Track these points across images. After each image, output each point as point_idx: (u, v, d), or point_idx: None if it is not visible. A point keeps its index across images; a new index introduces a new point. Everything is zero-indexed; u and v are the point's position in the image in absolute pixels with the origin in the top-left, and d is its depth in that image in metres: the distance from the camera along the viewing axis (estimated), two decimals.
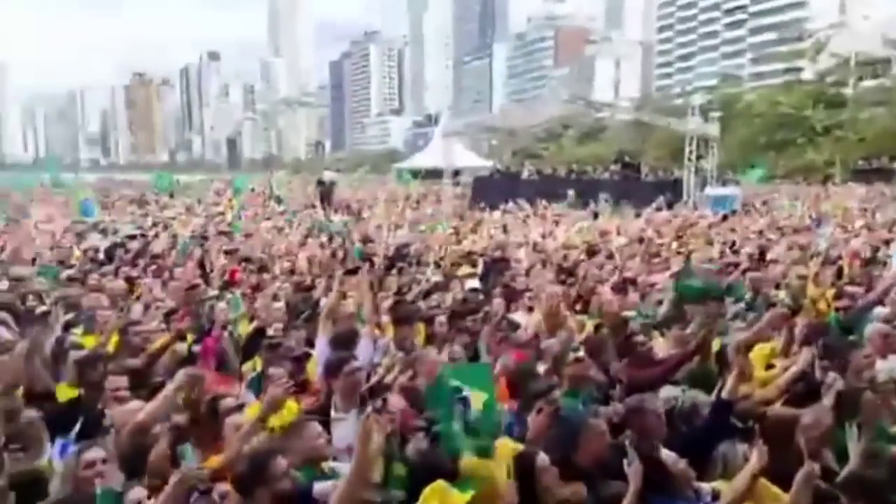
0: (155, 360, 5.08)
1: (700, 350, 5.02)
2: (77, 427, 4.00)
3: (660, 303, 7.46)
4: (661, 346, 5.80)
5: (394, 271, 8.58)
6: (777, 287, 7.78)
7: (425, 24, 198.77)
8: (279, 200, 24.11)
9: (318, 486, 3.23)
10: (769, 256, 9.81)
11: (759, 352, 5.28)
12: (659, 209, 19.56)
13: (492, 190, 27.12)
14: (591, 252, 10.43)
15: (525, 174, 28.76)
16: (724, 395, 4.05)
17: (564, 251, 10.36)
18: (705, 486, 3.58)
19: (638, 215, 17.42)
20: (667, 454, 3.70)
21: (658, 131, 40.94)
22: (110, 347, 5.48)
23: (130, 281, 7.89)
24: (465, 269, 8.84)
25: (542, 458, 3.43)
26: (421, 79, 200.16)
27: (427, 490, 3.12)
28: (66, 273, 8.10)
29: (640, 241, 12.00)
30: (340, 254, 9.78)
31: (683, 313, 6.51)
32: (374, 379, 4.43)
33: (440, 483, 3.13)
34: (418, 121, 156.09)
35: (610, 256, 10.24)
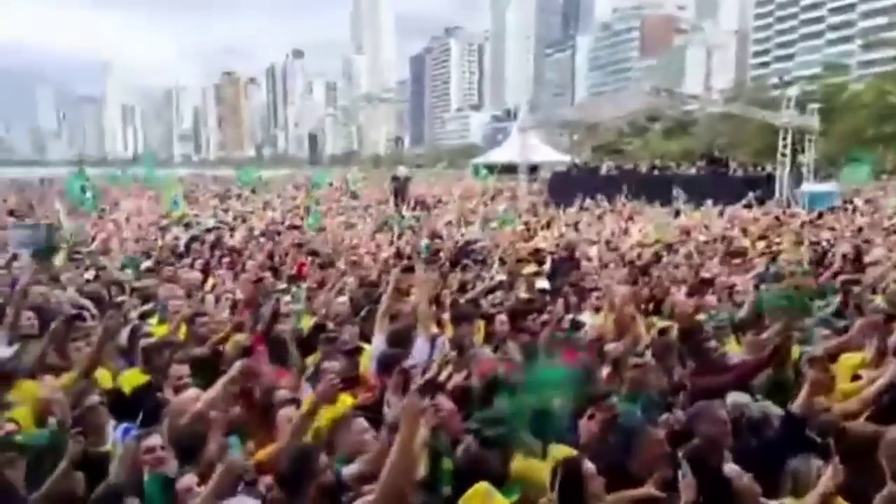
0: (218, 350, 5.22)
1: (775, 358, 4.64)
2: (141, 413, 4.20)
3: (738, 305, 7.02)
4: (736, 352, 5.45)
5: (458, 268, 8.49)
6: (874, 292, 7.13)
7: (507, 17, 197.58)
8: (354, 196, 24.60)
9: (347, 470, 3.21)
10: (868, 258, 9.03)
11: (845, 362, 4.86)
12: (748, 206, 18.52)
13: (569, 186, 26.49)
14: (668, 251, 9.95)
15: (604, 169, 27.89)
16: (795, 407, 3.76)
17: (639, 249, 9.93)
18: None
19: (722, 213, 16.52)
20: (731, 468, 3.46)
21: (752, 124, 38.67)
22: (180, 336, 5.70)
23: (206, 272, 8.20)
24: (530, 268, 8.63)
25: (588, 465, 3.26)
26: (501, 73, 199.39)
27: (470, 491, 3.04)
28: (145, 264, 8.51)
29: (723, 239, 11.38)
30: (407, 249, 9.78)
31: (762, 317, 6.09)
32: (425, 377, 4.35)
33: (484, 485, 3.04)
34: (497, 115, 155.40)
35: (690, 256, 9.77)
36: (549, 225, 14.72)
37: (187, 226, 13.43)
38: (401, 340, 4.98)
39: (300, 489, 3.11)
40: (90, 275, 7.96)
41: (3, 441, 3.36)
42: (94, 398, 3.95)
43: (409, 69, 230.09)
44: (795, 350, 4.95)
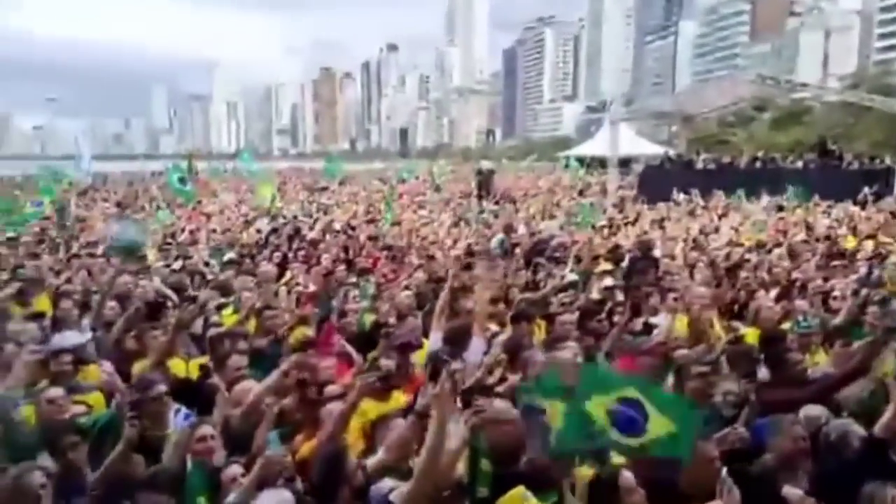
0: (279, 343, 5.36)
1: (860, 372, 4.19)
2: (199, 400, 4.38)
3: (834, 312, 6.46)
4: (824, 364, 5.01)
5: (529, 266, 8.30)
6: None
7: (605, 4, 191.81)
8: (438, 189, 24.70)
9: (370, 461, 3.19)
10: None
11: None
12: (862, 203, 17.02)
13: (662, 180, 25.33)
14: (759, 251, 9.27)
15: (699, 163, 26.42)
16: (877, 428, 3.41)
17: (727, 249, 9.31)
18: None
19: (829, 209, 15.25)
20: (790, 491, 3.22)
21: (872, 114, 35.36)
22: (250, 328, 5.91)
23: (284, 265, 8.46)
24: (603, 266, 8.29)
25: (627, 476, 3.08)
26: (597, 63, 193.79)
27: (507, 495, 2.96)
28: (227, 256, 8.90)
29: (826, 239, 10.50)
30: (479, 245, 9.68)
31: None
32: (473, 378, 4.26)
33: (521, 490, 2.96)
34: (592, 107, 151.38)
35: (784, 257, 9.09)
36: (635, 221, 14.16)
37: (274, 218, 13.97)
38: (457, 338, 4.91)
39: (330, 493, 3.13)
40: (177, 265, 8.43)
41: (67, 424, 3.58)
42: (160, 388, 4.09)
43: (501, 61, 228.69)
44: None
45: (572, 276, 7.75)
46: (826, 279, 7.60)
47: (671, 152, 29.08)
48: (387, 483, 3.20)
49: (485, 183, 22.26)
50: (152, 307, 5.53)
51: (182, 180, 17.29)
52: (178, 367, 4.99)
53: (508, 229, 11.08)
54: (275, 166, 46.27)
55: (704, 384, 4.30)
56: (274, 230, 11.08)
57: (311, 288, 7.48)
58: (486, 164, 24.50)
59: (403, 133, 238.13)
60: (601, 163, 32.31)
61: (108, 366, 4.39)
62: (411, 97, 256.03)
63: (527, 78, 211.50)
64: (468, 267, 6.42)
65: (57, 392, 3.96)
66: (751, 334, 5.65)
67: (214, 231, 11.43)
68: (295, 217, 13.37)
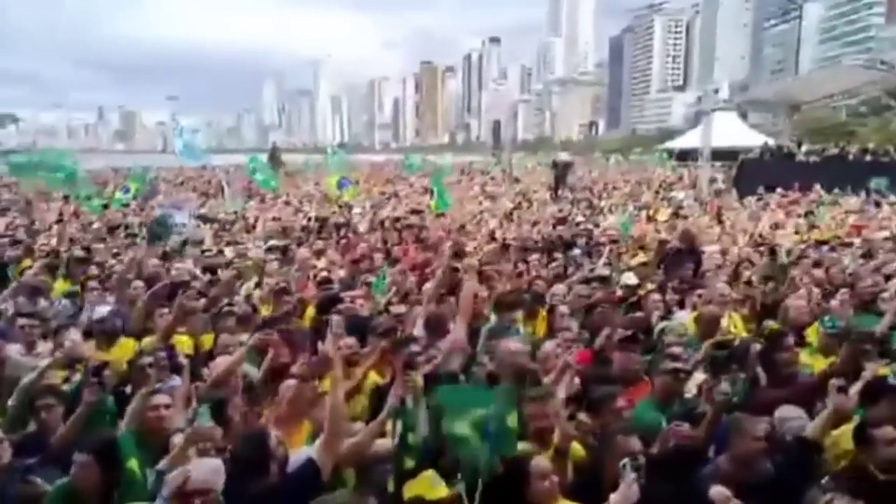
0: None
1: (842, 375, 3.87)
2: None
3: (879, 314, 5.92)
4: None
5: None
6: None
7: None
8: (516, 181, 24.51)
9: (294, 457, 3.28)
10: None
11: None
12: None
13: (760, 173, 23.72)
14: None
15: (800, 155, 24.43)
16: (808, 433, 3.35)
17: (784, 246, 8.65)
18: None
19: None
20: (715, 489, 3.08)
21: None
22: (263, 311, 6.21)
23: (319, 253, 8.77)
24: (638, 258, 7.95)
25: (538, 463, 3.06)
26: (711, 50, 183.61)
27: (417, 478, 3.08)
28: (271, 242, 9.33)
29: None
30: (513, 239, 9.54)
31: None
32: (432, 364, 4.26)
33: (429, 473, 3.07)
34: (703, 96, 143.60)
35: (866, 255, 8.39)
36: (718, 217, 13.38)
37: (341, 208, 14.47)
38: (435, 325, 4.93)
39: (257, 467, 3.25)
40: (230, 250, 8.94)
41: (44, 388, 3.95)
42: (145, 359, 4.40)
43: (607, 50, 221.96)
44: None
45: (603, 270, 7.50)
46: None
47: (771, 143, 27.07)
48: (305, 450, 3.36)
49: (561, 175, 21.80)
50: (174, 287, 5.91)
51: (254, 171, 18.19)
52: (182, 343, 5.32)
53: (560, 223, 10.84)
54: (372, 159, 47.48)
55: (673, 381, 4.13)
56: (321, 219, 11.46)
57: (342, 274, 7.76)
58: (563, 157, 23.97)
59: (496, 126, 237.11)
60: (717, 155, 30.40)
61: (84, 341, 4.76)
62: (512, 89, 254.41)
63: (634, 67, 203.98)
64: (459, 255, 6.39)
65: None
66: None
67: (276, 219, 12.00)
68: (350, 207, 13.77)
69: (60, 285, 6.72)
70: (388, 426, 3.48)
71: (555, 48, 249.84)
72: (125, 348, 5.14)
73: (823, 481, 2.76)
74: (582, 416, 3.48)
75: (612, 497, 2.87)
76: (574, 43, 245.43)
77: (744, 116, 45.26)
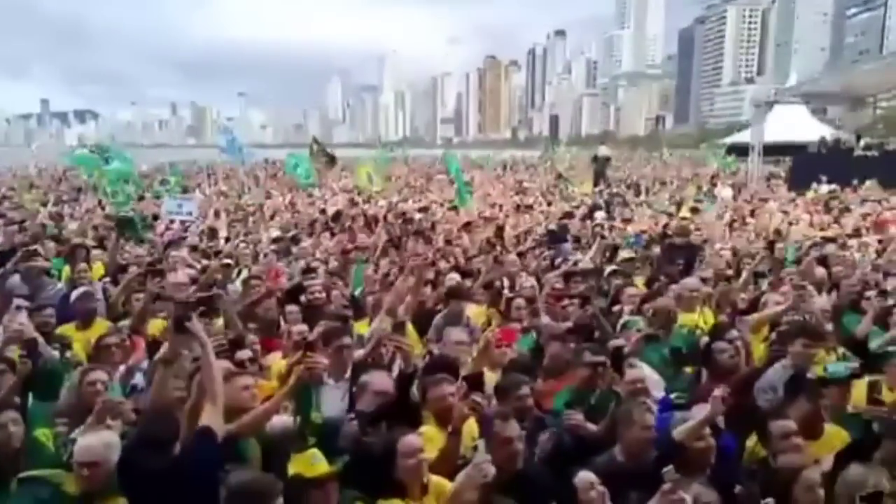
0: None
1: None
2: None
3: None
4: None
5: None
6: None
7: None
8: (559, 176, 24.19)
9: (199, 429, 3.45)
10: None
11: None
12: None
13: (815, 168, 22.57)
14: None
15: (857, 150, 23.07)
16: (674, 434, 3.33)
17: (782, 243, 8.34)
18: None
19: None
20: (581, 474, 3.14)
21: None
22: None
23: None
24: (625, 254, 7.82)
25: (406, 440, 3.14)
26: (788, 40, 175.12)
27: (298, 456, 3.21)
28: (274, 233, 9.69)
29: None
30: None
31: None
32: (363, 351, 4.40)
33: (312, 452, 3.21)
34: (779, 89, 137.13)
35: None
36: (752, 213, 12.93)
37: (367, 201, 14.80)
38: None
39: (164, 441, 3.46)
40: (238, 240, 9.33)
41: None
42: (110, 339, 4.71)
43: (676, 42, 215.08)
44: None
45: (587, 264, 7.44)
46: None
47: (829, 137, 25.68)
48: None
49: (600, 170, 21.42)
50: (156, 273, 6.28)
51: (296, 165, 18.71)
52: (155, 326, 5.64)
53: (566, 216, 10.76)
54: (435, 154, 47.56)
55: (592, 373, 4.18)
56: (339, 212, 11.74)
57: (333, 264, 8.00)
58: (603, 151, 23.52)
59: (554, 120, 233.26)
60: (779, 149, 29.06)
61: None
62: (576, 84, 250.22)
63: (704, 60, 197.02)
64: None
65: None
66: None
67: (298, 212, 12.41)
68: (368, 200, 14.04)
69: (68, 272, 7.21)
70: None
71: (622, 41, 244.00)
72: (100, 328, 5.49)
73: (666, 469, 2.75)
74: (475, 395, 3.54)
75: (458, 476, 2.93)
76: (642, 35, 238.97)
77: (823, 111, 42.84)
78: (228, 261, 7.29)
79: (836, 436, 3.63)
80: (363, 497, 3.10)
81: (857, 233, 9.19)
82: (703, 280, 6.40)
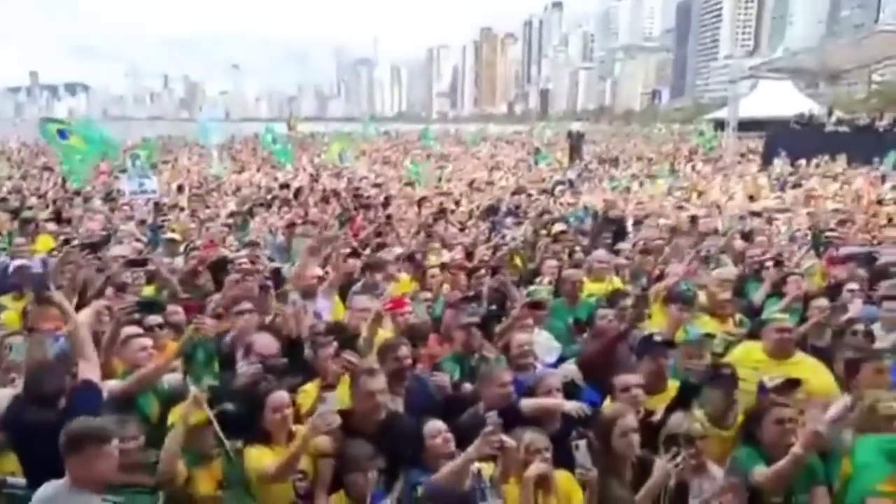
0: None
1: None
2: None
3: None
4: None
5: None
6: None
7: None
8: (537, 151, 24.38)
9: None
10: None
11: None
12: None
13: (788, 143, 22.83)
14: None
15: (829, 125, 23.31)
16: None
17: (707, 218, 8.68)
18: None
19: None
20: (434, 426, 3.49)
21: None
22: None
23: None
24: (557, 227, 8.13)
25: (275, 396, 3.49)
26: (785, 13, 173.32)
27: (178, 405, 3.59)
28: (231, 209, 10.00)
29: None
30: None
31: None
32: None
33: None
34: (753, 65, 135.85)
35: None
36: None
37: (336, 176, 15.06)
38: (305, 293, 5.42)
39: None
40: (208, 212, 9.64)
41: None
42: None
43: (674, 14, 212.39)
44: None
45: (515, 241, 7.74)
46: None
47: (807, 112, 25.89)
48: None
49: (575, 146, 21.65)
50: (94, 245, 6.58)
51: (274, 140, 18.90)
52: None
53: (519, 191, 11.05)
54: (431, 128, 47.45)
55: (466, 336, 4.54)
56: (300, 189, 11.97)
57: (280, 238, 8.33)
58: (576, 126, 23.74)
59: (545, 95, 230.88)
60: (762, 124, 29.18)
61: None
62: (573, 57, 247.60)
63: (701, 33, 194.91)
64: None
65: None
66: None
67: (260, 187, 12.66)
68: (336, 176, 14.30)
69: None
70: None
71: (619, 13, 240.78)
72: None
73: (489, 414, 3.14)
74: (346, 353, 3.92)
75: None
76: (639, 8, 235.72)
77: (816, 86, 42.87)
78: (174, 235, 7.57)
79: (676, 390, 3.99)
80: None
81: (786, 209, 9.51)
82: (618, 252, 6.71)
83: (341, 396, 3.81)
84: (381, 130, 33.53)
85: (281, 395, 3.53)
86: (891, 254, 6.50)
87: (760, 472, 3.17)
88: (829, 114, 24.14)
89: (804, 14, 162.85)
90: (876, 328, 5.01)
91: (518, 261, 7.34)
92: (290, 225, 8.25)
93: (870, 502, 3.02)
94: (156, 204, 9.79)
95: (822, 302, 4.88)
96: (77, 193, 10.82)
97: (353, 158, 17.82)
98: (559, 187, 13.32)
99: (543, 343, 5.08)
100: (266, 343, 4.08)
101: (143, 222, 8.66)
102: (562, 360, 4.98)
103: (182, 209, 10.24)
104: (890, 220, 9.30)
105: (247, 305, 4.66)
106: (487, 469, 3.26)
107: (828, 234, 7.41)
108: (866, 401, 3.48)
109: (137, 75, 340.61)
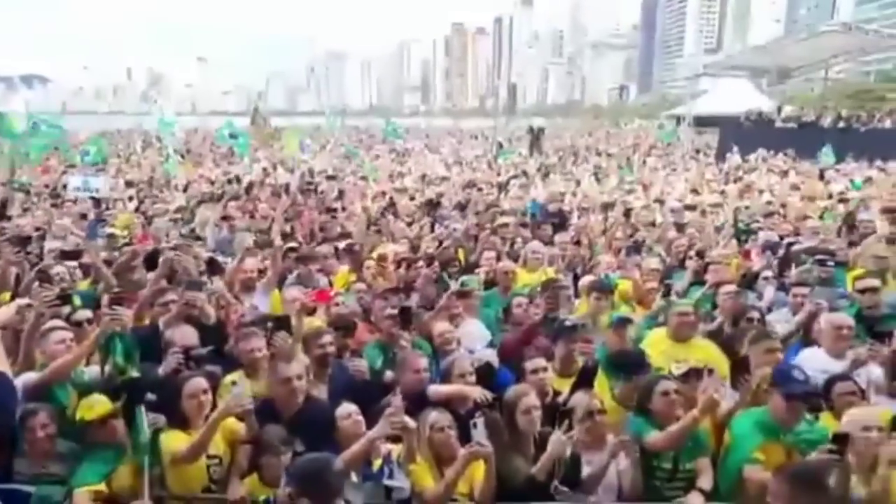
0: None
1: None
2: None
3: None
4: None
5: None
6: None
7: None
8: (500, 146, 24.59)
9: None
10: None
11: None
12: None
13: (739, 139, 23.50)
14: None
15: (778, 121, 24.05)
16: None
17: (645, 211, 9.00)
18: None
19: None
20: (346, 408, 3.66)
21: None
22: None
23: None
24: (503, 219, 8.30)
25: (192, 383, 3.61)
26: (746, 12, 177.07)
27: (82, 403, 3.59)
28: (178, 204, 9.98)
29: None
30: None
31: None
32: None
33: (94, 397, 3.58)
34: (706, 63, 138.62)
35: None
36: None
37: (290, 171, 15.04)
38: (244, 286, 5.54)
39: None
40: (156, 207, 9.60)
41: None
42: None
43: (640, 12, 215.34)
44: None
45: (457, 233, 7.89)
46: None
47: (762, 109, 26.60)
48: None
49: (535, 141, 21.93)
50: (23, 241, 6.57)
51: (232, 135, 18.72)
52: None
53: (469, 185, 11.22)
54: (402, 123, 47.11)
55: (392, 325, 4.76)
56: (251, 184, 11.95)
57: (224, 233, 8.35)
58: (537, 122, 24.06)
59: (512, 89, 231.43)
60: (715, 121, 29.83)
61: None
62: (543, 53, 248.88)
63: (666, 30, 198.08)
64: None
65: None
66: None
67: (212, 181, 12.60)
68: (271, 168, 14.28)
69: None
70: None
71: (587, 10, 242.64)
72: None
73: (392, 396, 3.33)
74: (279, 334, 4.09)
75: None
76: (609, 3, 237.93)
77: (778, 83, 43.95)
78: (114, 230, 7.54)
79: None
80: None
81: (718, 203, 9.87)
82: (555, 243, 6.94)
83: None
84: (345, 124, 33.17)
85: (197, 382, 3.63)
86: (806, 243, 6.85)
87: (652, 436, 3.41)
88: (779, 111, 24.90)
89: (764, 14, 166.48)
90: (784, 312, 5.31)
91: (461, 254, 7.51)
92: (224, 217, 8.27)
93: (746, 469, 3.28)
94: (95, 199, 9.69)
95: (730, 288, 5.14)
96: (23, 188, 10.65)
97: (317, 147, 17.76)
98: (513, 181, 13.53)
99: (474, 331, 5.27)
100: (186, 333, 4.16)
101: (83, 216, 8.59)
102: (492, 347, 5.18)
103: (128, 201, 10.19)
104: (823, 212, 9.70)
105: (171, 297, 4.73)
106: (397, 450, 3.42)
107: (752, 225, 7.77)
108: (754, 380, 3.74)
109: (98, 67, 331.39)
